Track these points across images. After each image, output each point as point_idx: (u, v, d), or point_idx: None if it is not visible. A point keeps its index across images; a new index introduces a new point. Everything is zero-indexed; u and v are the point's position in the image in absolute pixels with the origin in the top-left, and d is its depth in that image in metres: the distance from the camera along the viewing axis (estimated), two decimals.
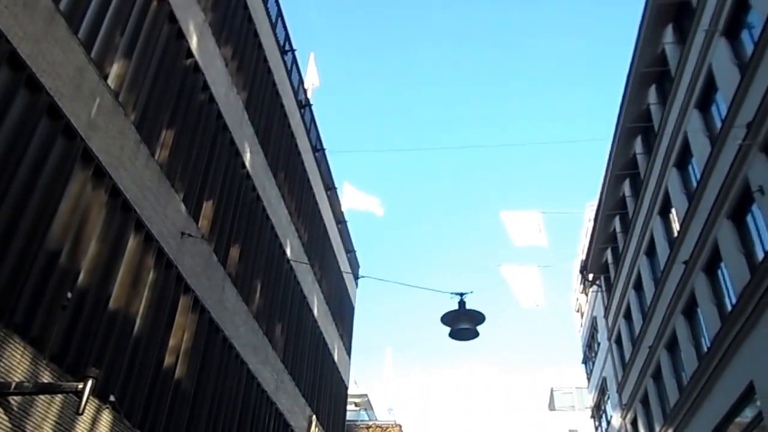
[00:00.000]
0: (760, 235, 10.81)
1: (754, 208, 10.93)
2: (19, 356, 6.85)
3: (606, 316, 23.62)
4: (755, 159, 10.47)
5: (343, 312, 25.03)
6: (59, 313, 7.67)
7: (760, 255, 10.51)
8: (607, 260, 23.15)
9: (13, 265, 6.97)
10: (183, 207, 11.13)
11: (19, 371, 6.83)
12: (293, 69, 19.11)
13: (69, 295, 7.88)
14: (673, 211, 15.30)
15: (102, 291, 8.56)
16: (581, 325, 31.26)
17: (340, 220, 24.84)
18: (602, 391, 26.21)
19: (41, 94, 7.47)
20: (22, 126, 7.18)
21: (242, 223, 14.15)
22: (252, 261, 14.73)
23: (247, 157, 14.47)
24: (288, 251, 17.39)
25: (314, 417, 19.41)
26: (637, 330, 18.87)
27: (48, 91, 7.55)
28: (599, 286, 24.73)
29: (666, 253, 15.64)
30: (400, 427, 36.16)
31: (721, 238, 12.11)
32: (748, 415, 11.50)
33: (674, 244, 14.92)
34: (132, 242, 9.42)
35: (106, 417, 8.60)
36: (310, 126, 20.89)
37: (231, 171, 13.53)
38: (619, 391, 21.68)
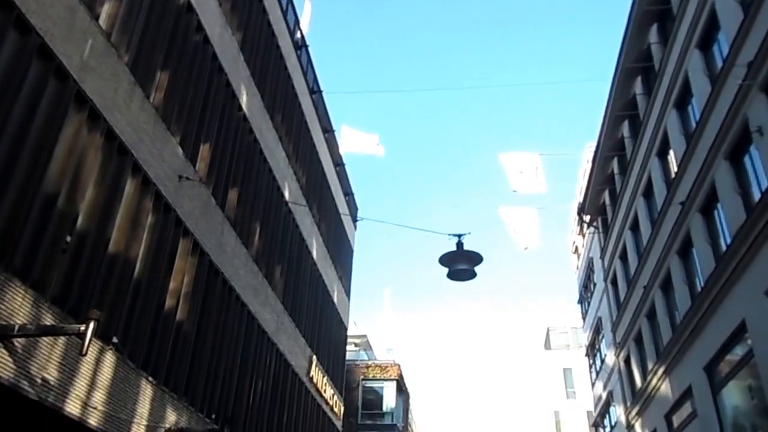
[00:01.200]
0: (756, 176, 10.79)
1: (752, 148, 10.87)
2: (20, 299, 6.94)
3: (602, 257, 23.88)
4: (755, 99, 10.34)
5: (342, 254, 25.27)
6: (59, 257, 7.73)
7: (757, 195, 10.53)
8: (604, 202, 23.21)
9: (11, 209, 6.98)
10: (180, 150, 11.06)
11: (21, 314, 6.94)
12: (289, 9, 18.62)
13: (68, 238, 7.93)
14: (671, 152, 15.23)
15: (101, 235, 8.60)
16: (577, 267, 31.64)
17: (338, 163, 24.75)
18: (597, 330, 26.76)
19: (31, 35, 7.30)
20: (14, 68, 7.06)
21: (240, 166, 14.10)
22: (250, 204, 14.76)
23: (244, 100, 14.28)
24: (286, 194, 17.40)
25: (314, 357, 19.88)
26: (632, 270, 19.11)
27: (38, 32, 7.38)
28: (596, 227, 24.89)
29: (663, 194, 15.66)
30: (399, 366, 37.12)
31: (718, 178, 12.10)
32: (738, 353, 11.79)
33: (671, 185, 14.92)
34: (129, 186, 9.40)
35: (109, 358, 8.81)
36: (307, 67, 20.52)
37: (227, 113, 13.38)
38: (614, 330, 22.14)
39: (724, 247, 11.97)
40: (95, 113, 8.45)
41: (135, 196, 9.51)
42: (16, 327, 6.67)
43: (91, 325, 6.81)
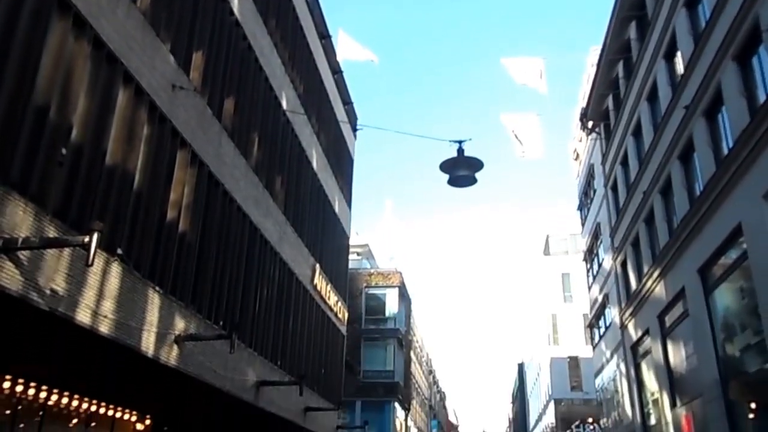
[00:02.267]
0: (763, 78, 10.55)
1: (761, 49, 10.55)
2: (21, 213, 6.98)
3: (603, 163, 23.82)
4: None
5: (342, 164, 25.20)
6: (56, 170, 7.70)
7: (762, 98, 10.34)
8: (607, 107, 22.84)
9: (3, 122, 6.87)
10: (171, 58, 10.74)
11: (23, 228, 6.99)
12: None
13: (63, 151, 7.85)
14: (679, 54, 14.81)
15: (97, 146, 8.52)
16: (578, 173, 31.63)
17: (336, 70, 24.12)
18: (595, 235, 27.14)
19: None
20: None
21: (235, 75, 13.76)
22: (247, 114, 14.53)
23: (235, 3, 13.71)
24: (284, 103, 17.10)
25: (318, 266, 20.29)
26: (632, 176, 19.11)
27: None
28: (598, 133, 24.65)
29: (668, 97, 15.37)
30: (401, 273, 38.01)
31: (724, 80, 11.83)
32: (732, 256, 12.00)
33: (677, 88, 14.61)
34: (122, 96, 9.21)
35: (115, 269, 8.97)
36: None
37: (219, 18, 12.89)
38: (612, 236, 22.45)
39: (725, 151, 11.90)
40: (80, 19, 8.13)
41: (128, 107, 9.34)
42: (20, 240, 6.74)
43: (95, 236, 6.84)
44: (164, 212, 10.57)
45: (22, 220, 6.98)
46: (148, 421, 16.39)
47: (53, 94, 7.62)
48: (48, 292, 7.46)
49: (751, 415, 12.14)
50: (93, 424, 14.36)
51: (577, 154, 31.72)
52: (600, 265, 26.57)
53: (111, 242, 8.72)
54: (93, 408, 14.01)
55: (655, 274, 16.36)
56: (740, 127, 10.90)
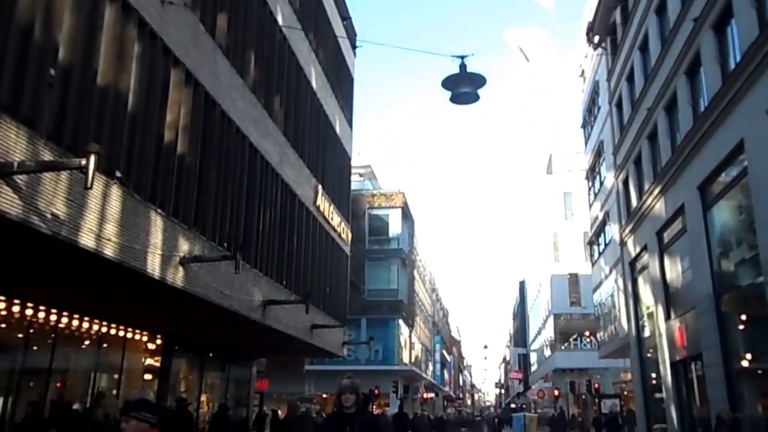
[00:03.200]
0: None
1: None
2: (14, 137, 6.93)
3: (608, 80, 23.33)
4: None
5: (342, 82, 24.72)
6: (46, 92, 7.57)
7: None
8: (614, 20, 22.10)
9: None
10: None
11: (17, 152, 6.96)
12: None
13: (52, 72, 7.69)
14: None
15: (87, 66, 8.34)
16: (583, 90, 31.04)
17: None
18: (598, 153, 26.98)
19: None
20: None
21: None
22: (242, 30, 14.12)
23: None
24: (279, 18, 16.57)
25: (320, 187, 20.32)
26: (637, 92, 18.77)
27: None
28: (604, 48, 23.99)
29: (677, 10, 14.85)
30: (404, 194, 38.11)
31: None
32: (732, 173, 11.96)
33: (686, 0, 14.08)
34: (109, 12, 8.91)
35: (115, 192, 9.01)
36: None
37: None
38: (614, 153, 22.31)
39: (732, 66, 11.61)
40: None
41: (117, 24, 9.06)
42: (16, 164, 6.73)
43: (92, 158, 6.81)
44: (161, 134, 10.49)
45: (15, 143, 6.95)
46: (159, 341, 16.99)
47: (36, 12, 7.38)
48: (49, 216, 7.53)
49: (741, 326, 12.52)
50: (105, 345, 14.90)
51: (582, 71, 31.01)
52: (602, 183, 26.57)
53: (109, 165, 8.71)
54: (104, 330, 14.48)
55: (656, 192, 16.39)
56: (749, 41, 10.58)
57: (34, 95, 7.32)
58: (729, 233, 12.77)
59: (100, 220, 8.62)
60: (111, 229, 8.88)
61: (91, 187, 7.20)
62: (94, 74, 8.48)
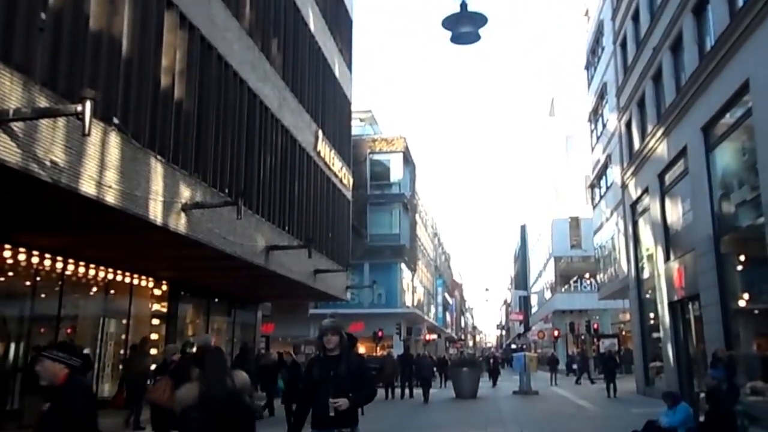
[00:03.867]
0: None
1: None
2: (8, 83, 6.84)
3: (613, 19, 22.77)
4: None
5: (340, 25, 24.16)
6: (38, 36, 7.43)
7: None
8: None
9: None
10: None
11: (13, 99, 6.89)
12: None
13: (43, 16, 7.52)
14: None
15: (78, 10, 8.15)
16: (587, 30, 30.35)
17: None
18: (601, 96, 26.61)
19: None
20: None
21: None
22: None
23: None
24: None
25: (320, 132, 20.17)
26: (643, 31, 18.34)
27: None
28: None
29: None
30: (405, 138, 37.81)
31: None
32: (736, 114, 11.82)
33: None
34: None
35: (113, 139, 8.96)
36: None
37: None
38: (618, 95, 22.00)
39: (740, 3, 11.30)
40: None
41: None
42: (11, 111, 6.68)
43: (88, 104, 6.75)
44: (157, 79, 10.34)
45: (10, 90, 6.87)
46: (164, 287, 17.26)
47: None
48: (48, 163, 7.52)
49: (739, 267, 12.64)
50: (112, 291, 15.15)
51: (587, 10, 30.22)
52: (604, 126, 26.33)
53: (106, 111, 8.62)
54: (110, 276, 14.70)
55: (659, 133, 16.25)
56: None
57: (25, 40, 7.19)
58: (731, 175, 12.73)
59: (100, 167, 8.61)
60: (111, 176, 8.88)
61: (88, 134, 7.16)
62: (86, 18, 8.30)
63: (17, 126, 6.93)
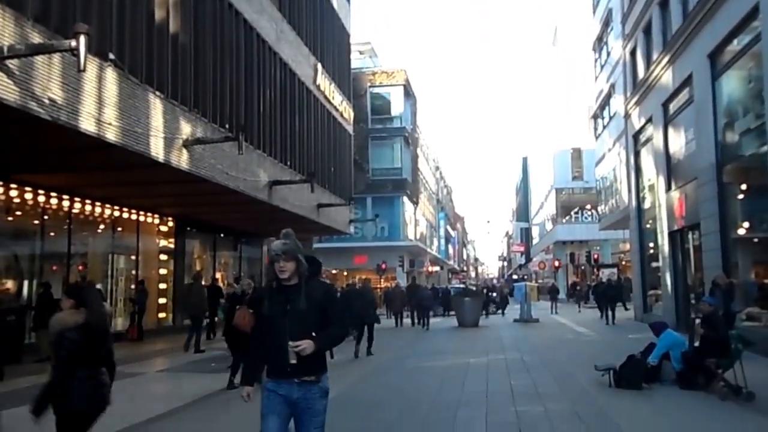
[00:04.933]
0: None
1: None
2: (0, 20, 6.72)
3: None
4: None
5: None
6: None
7: None
8: None
9: None
10: None
11: (6, 36, 6.79)
12: None
13: None
14: None
15: None
16: None
17: None
18: (606, 23, 25.93)
19: None
20: None
21: None
22: None
23: None
24: None
25: (319, 65, 19.84)
26: None
27: None
28: None
29: None
30: (405, 71, 37.14)
31: None
32: (744, 41, 11.55)
33: None
34: None
35: (110, 75, 8.87)
36: None
37: None
38: (623, 22, 21.43)
39: None
40: None
41: None
42: (5, 48, 6.59)
43: (82, 39, 6.65)
44: (151, 12, 10.13)
45: (2, 27, 6.76)
46: (170, 223, 17.47)
47: None
48: (47, 101, 7.48)
49: (740, 196, 12.69)
50: (119, 229, 15.37)
51: None
52: (608, 54, 25.79)
53: (101, 47, 8.51)
54: (117, 214, 14.88)
55: (664, 61, 15.93)
56: None
57: None
58: (736, 103, 12.57)
59: (99, 104, 8.57)
60: (110, 112, 8.84)
61: (84, 70, 7.09)
62: None
63: (12, 63, 6.87)
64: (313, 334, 3.18)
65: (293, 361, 3.13)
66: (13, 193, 11.38)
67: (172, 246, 17.63)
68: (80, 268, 14.16)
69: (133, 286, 15.76)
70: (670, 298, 16.34)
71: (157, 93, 10.25)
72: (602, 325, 18.80)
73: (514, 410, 6.79)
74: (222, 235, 20.53)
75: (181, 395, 8.03)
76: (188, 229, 18.26)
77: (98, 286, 14.05)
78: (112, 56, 8.78)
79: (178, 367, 10.92)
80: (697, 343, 8.25)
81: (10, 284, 11.97)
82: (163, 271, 17.35)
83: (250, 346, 3.51)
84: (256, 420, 3.26)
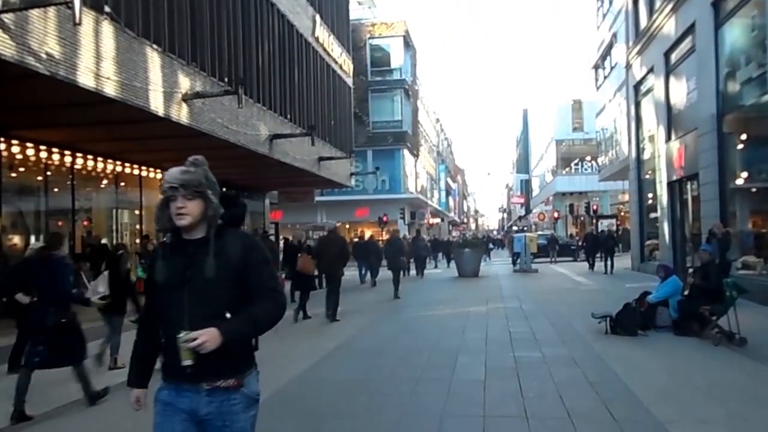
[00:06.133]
0: None
1: None
2: None
3: None
4: None
5: None
6: None
7: None
8: None
9: None
10: None
11: None
12: None
13: None
14: None
15: None
16: None
17: None
18: None
19: None
20: None
21: None
22: None
23: None
24: None
25: (317, 16, 19.51)
26: None
27: None
28: None
29: None
30: (405, 22, 36.49)
31: None
32: None
33: None
34: None
35: (107, 28, 8.79)
36: None
37: None
38: None
39: None
40: None
41: None
42: (0, 2, 6.53)
43: None
44: None
45: None
46: None
47: None
48: (44, 56, 7.45)
49: (740, 146, 12.72)
50: (122, 184, 15.45)
51: None
52: (611, 2, 25.32)
53: (96, 0, 8.41)
54: (119, 169, 14.93)
55: (667, 9, 15.67)
56: None
57: None
58: (738, 52, 12.44)
59: (96, 59, 8.53)
60: (108, 67, 8.81)
61: (80, 23, 7.04)
62: None
63: (8, 18, 6.82)
64: (227, 315, 2.13)
65: (187, 363, 2.06)
66: (15, 149, 11.41)
67: None
68: (85, 223, 14.31)
69: (138, 241, 15.94)
70: (667, 248, 16.55)
71: (155, 46, 10.16)
72: (600, 275, 19.09)
73: (512, 356, 7.03)
74: (224, 189, 20.56)
75: None
76: None
77: (104, 240, 14.31)
78: (107, 9, 8.68)
79: None
80: (686, 292, 8.44)
81: (16, 239, 12.13)
82: None
83: (137, 332, 2.39)
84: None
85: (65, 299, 5.46)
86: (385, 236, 30.32)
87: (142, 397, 2.32)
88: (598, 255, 20.66)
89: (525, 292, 14.63)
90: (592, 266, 20.97)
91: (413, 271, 22.29)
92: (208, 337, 2.04)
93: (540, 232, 34.19)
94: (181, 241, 2.26)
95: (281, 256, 16.83)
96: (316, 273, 11.50)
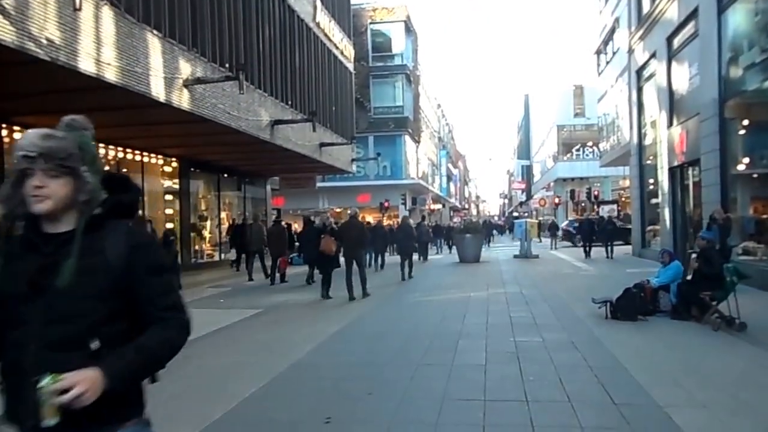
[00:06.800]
0: None
1: None
2: None
3: None
4: None
5: None
6: None
7: None
8: None
9: None
10: None
11: None
12: None
13: None
14: None
15: None
16: None
17: None
18: None
19: None
20: None
21: None
22: None
23: None
24: None
25: (318, 2, 19.41)
26: None
27: None
28: None
29: None
30: (406, 6, 36.22)
31: None
32: None
33: None
34: None
35: (107, 14, 8.77)
36: None
37: None
38: None
39: None
40: None
41: None
42: None
43: None
44: None
45: None
46: (174, 164, 17.54)
47: None
48: (44, 41, 7.45)
49: (742, 132, 12.69)
50: (124, 169, 15.46)
51: None
52: None
53: None
54: (121, 155, 14.94)
55: None
56: None
57: None
58: (741, 37, 12.36)
59: (97, 44, 8.51)
60: (109, 53, 8.80)
61: (80, 9, 7.04)
62: None
63: (8, 3, 6.81)
64: (96, 344, 1.53)
65: (49, 423, 1.42)
66: (17, 135, 11.42)
67: (176, 186, 17.78)
68: None
69: None
70: (668, 234, 16.57)
71: (155, 32, 10.14)
72: (601, 260, 19.12)
73: (513, 340, 7.08)
74: (226, 175, 20.64)
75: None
76: (192, 169, 18.36)
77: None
78: None
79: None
80: (689, 277, 8.48)
81: None
82: (168, 211, 17.57)
83: None
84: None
85: None
86: (387, 222, 30.44)
87: None
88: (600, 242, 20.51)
89: (526, 278, 14.68)
90: (588, 254, 20.57)
91: (414, 256, 22.43)
92: (86, 386, 1.41)
93: (570, 218, 34.19)
94: (40, 234, 1.60)
95: (299, 239, 17.36)
96: (338, 253, 12.14)
